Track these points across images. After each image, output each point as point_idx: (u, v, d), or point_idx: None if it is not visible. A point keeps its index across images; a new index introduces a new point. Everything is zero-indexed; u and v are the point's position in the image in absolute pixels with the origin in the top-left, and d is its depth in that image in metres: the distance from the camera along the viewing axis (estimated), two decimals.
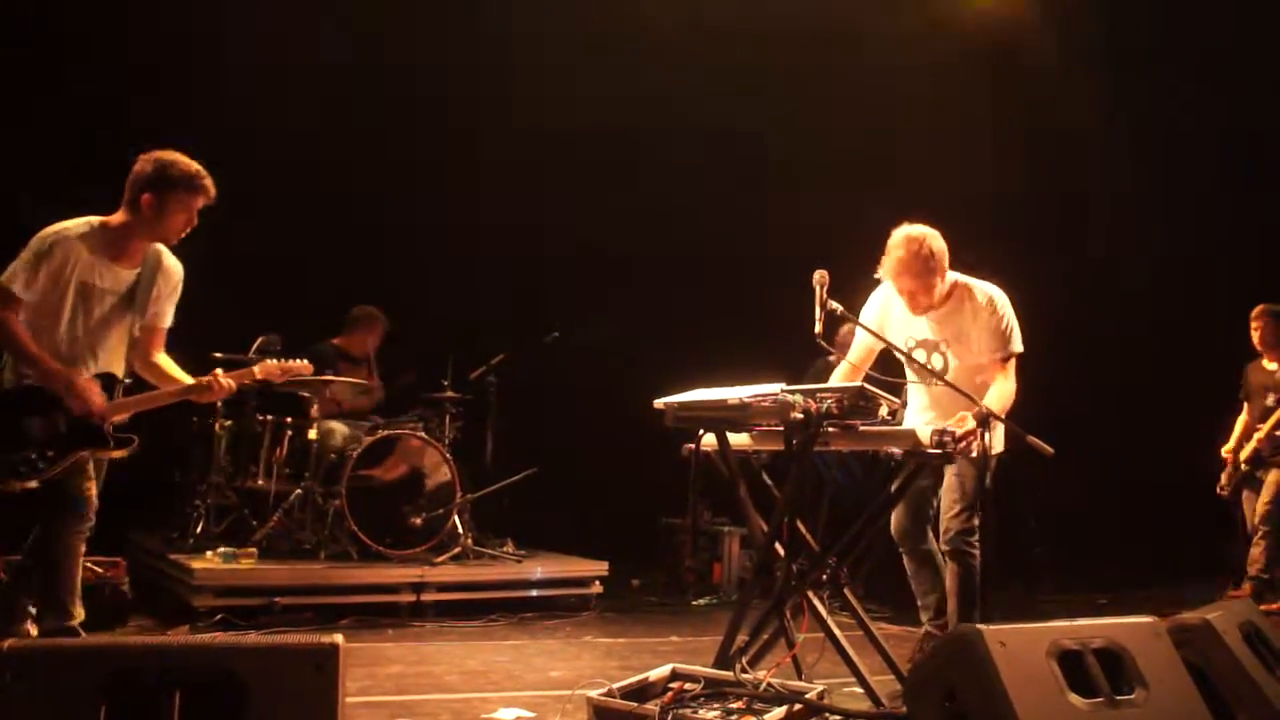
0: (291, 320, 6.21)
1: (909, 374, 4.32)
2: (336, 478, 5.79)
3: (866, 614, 3.79)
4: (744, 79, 7.75)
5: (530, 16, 7.50)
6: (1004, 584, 4.10)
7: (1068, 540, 7.72)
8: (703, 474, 3.73)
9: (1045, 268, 8.23)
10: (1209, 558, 6.94)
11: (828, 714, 3.20)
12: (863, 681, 3.45)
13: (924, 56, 7.63)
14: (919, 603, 4.44)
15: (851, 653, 3.48)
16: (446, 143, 7.55)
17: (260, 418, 6.13)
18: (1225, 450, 6.39)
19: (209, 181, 3.85)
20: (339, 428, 6.19)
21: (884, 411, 3.48)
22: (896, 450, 3.41)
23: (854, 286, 4.32)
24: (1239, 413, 6.44)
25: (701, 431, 3.63)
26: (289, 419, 6.14)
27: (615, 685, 3.19)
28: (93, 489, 3.80)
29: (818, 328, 3.69)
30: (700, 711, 3.06)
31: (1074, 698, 2.64)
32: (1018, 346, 4.17)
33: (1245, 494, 6.33)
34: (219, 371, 4.01)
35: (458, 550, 5.98)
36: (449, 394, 6.32)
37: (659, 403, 3.62)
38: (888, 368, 4.32)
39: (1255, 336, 6.31)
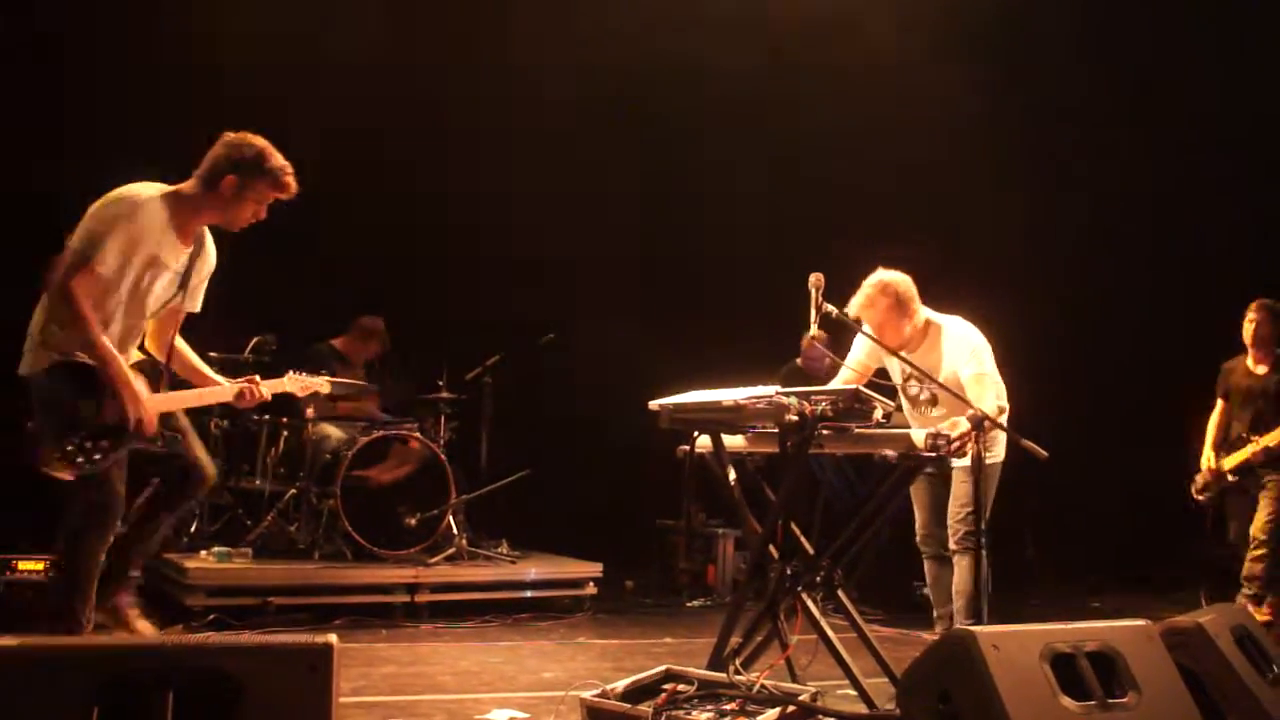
0: (291, 321, 6.21)
1: (905, 404, 4.42)
2: (331, 478, 5.78)
3: (860, 616, 3.79)
4: (744, 78, 7.75)
5: (530, 17, 7.50)
6: (997, 587, 4.10)
7: (1061, 543, 7.74)
8: (697, 476, 3.72)
9: (1044, 268, 8.27)
10: (1202, 562, 6.93)
11: (821, 716, 3.20)
12: (856, 684, 3.45)
13: (924, 54, 7.63)
14: (935, 612, 4.45)
15: (845, 655, 3.47)
16: (446, 143, 7.55)
17: (255, 417, 6.11)
18: (1205, 459, 5.97)
19: (294, 180, 3.66)
20: (334, 429, 6.19)
21: (879, 414, 3.49)
22: (891, 453, 3.42)
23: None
24: (1212, 411, 6.03)
25: (696, 433, 3.63)
26: (284, 419, 6.13)
27: (609, 686, 3.19)
28: (123, 488, 3.62)
29: (814, 330, 3.70)
30: (694, 713, 3.06)
31: (1067, 700, 2.65)
32: (991, 375, 4.23)
33: (1230, 502, 5.89)
34: (256, 378, 3.85)
35: (452, 551, 5.98)
36: (444, 395, 6.32)
37: (654, 404, 3.62)
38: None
39: (1249, 330, 5.82)
